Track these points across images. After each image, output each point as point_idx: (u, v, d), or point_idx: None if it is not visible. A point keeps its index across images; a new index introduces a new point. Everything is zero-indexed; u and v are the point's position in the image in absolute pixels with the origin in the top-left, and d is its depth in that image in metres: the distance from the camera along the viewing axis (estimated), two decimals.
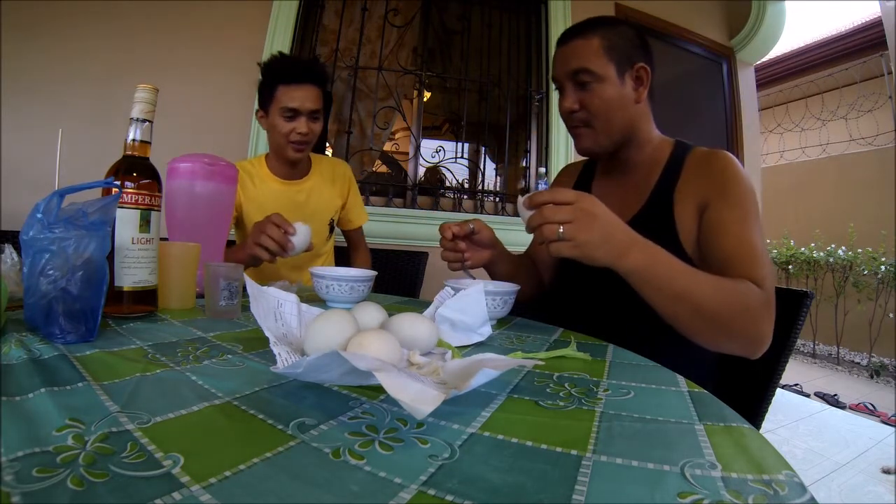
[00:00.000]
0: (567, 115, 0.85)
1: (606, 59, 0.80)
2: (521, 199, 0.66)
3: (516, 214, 2.10)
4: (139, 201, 0.63)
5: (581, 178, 1.02)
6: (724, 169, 0.78)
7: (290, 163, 1.31)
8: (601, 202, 0.63)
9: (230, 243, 1.09)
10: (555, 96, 2.55)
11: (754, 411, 0.79)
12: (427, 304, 0.70)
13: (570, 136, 0.90)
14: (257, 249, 0.96)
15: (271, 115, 1.23)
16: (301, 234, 0.97)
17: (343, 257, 1.54)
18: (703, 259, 0.76)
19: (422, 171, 2.54)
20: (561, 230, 0.59)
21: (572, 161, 1.22)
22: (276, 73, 1.21)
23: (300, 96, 1.19)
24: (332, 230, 1.43)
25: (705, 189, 0.78)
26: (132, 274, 0.63)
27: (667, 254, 0.64)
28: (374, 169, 2.70)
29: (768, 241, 4.58)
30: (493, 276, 0.94)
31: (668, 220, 0.80)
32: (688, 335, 0.67)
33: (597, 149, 0.86)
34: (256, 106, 1.30)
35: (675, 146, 0.87)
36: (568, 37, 0.84)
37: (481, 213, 2.54)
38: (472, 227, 0.85)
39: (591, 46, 0.80)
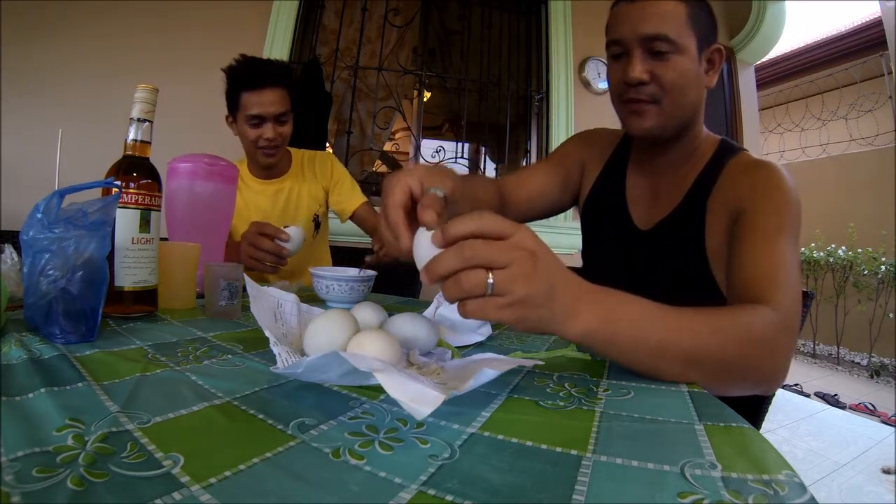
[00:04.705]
0: (628, 88, 0.71)
1: (689, 29, 0.68)
2: (422, 230, 0.43)
3: None
4: (139, 201, 0.63)
5: (615, 158, 0.88)
6: (767, 177, 0.67)
7: (266, 166, 1.30)
8: (539, 238, 0.43)
9: None
10: (555, 96, 2.55)
11: (754, 411, 0.79)
12: (427, 304, 0.70)
13: (620, 115, 0.76)
14: (254, 264, 0.96)
15: (238, 121, 1.22)
16: (295, 239, 0.97)
17: (341, 257, 1.53)
18: (727, 276, 0.66)
19: None
20: (491, 280, 0.39)
21: None
22: (238, 79, 1.18)
23: (264, 101, 1.17)
24: (317, 227, 1.40)
25: (741, 197, 0.68)
26: (132, 274, 0.63)
27: (630, 299, 0.47)
28: (374, 169, 2.70)
29: None
30: None
31: (697, 229, 0.72)
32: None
33: (658, 131, 0.73)
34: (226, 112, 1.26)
35: (719, 146, 0.77)
36: None
37: None
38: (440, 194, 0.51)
39: (673, 10, 0.67)
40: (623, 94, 0.73)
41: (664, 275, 0.77)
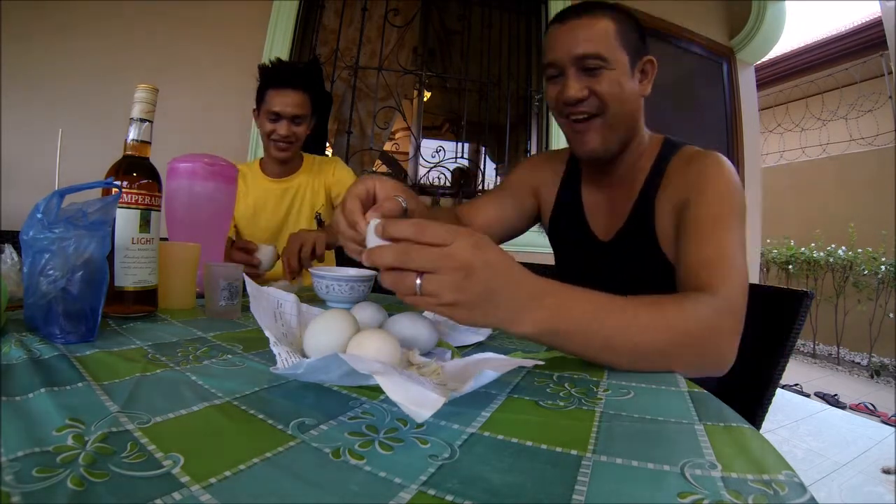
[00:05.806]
0: (567, 106, 0.74)
1: (619, 46, 0.71)
2: (372, 223, 0.47)
3: None
4: (139, 201, 0.63)
5: (568, 175, 0.91)
6: (708, 167, 0.71)
7: (278, 161, 1.38)
8: (490, 244, 0.45)
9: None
10: None
11: (754, 411, 0.79)
12: None
13: (566, 136, 0.79)
14: None
15: (261, 115, 1.33)
16: (266, 255, 1.05)
17: (344, 257, 1.53)
18: (675, 267, 0.69)
19: (422, 170, 2.54)
20: (418, 282, 0.42)
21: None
22: (266, 77, 1.29)
23: (283, 101, 1.27)
24: (320, 225, 1.44)
25: (685, 188, 0.71)
26: (132, 274, 0.63)
27: (579, 295, 0.49)
28: (374, 169, 2.70)
29: (768, 240, 4.60)
30: None
31: (650, 231, 0.75)
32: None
33: (602, 149, 0.76)
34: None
35: (662, 145, 0.80)
36: (570, 15, 0.72)
37: None
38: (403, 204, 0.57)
39: (602, 29, 0.71)
40: (563, 112, 0.76)
41: (628, 281, 0.77)
